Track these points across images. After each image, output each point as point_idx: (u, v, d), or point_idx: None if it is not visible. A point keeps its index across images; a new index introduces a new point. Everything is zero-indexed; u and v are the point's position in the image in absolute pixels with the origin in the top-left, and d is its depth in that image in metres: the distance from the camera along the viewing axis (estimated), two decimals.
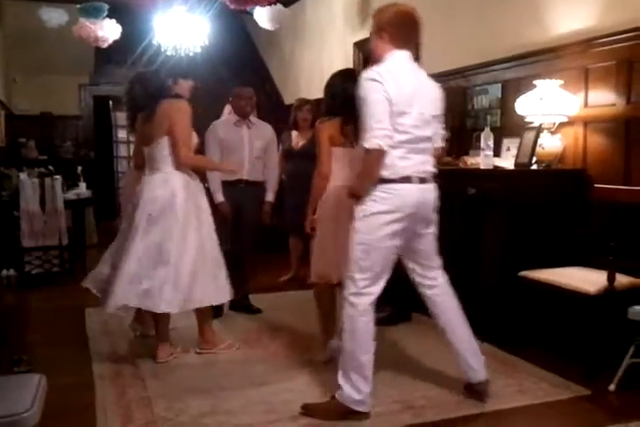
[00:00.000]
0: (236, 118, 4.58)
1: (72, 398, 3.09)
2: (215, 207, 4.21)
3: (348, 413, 2.83)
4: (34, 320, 4.65)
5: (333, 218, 3.35)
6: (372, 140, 2.69)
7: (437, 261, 3.14)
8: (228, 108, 4.99)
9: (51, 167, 6.55)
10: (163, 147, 3.49)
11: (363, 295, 2.85)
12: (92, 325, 4.36)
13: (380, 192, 2.77)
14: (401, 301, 4.43)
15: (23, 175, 5.86)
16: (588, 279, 3.36)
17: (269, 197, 4.75)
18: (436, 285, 3.13)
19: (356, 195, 2.80)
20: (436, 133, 2.98)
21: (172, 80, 3.67)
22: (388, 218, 2.78)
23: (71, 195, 6.40)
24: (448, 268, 4.22)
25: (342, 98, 3.28)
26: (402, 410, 2.95)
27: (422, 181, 2.85)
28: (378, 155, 2.71)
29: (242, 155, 4.52)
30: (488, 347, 3.76)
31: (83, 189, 6.79)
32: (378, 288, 2.89)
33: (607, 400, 3.08)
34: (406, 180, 2.79)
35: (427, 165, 2.90)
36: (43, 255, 5.76)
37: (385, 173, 2.76)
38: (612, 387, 3.13)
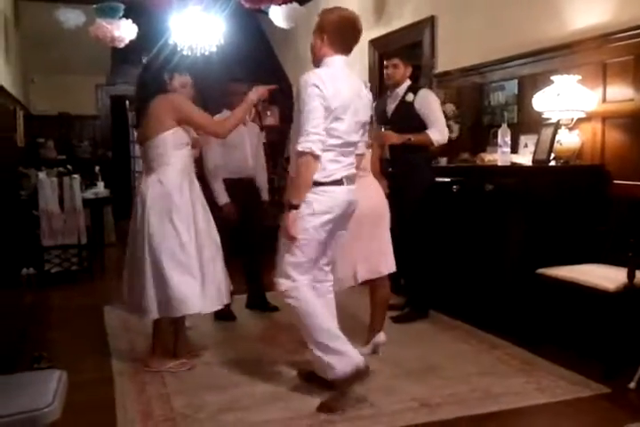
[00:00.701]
0: None
1: (92, 394, 3.11)
2: (217, 208, 4.16)
3: (353, 380, 2.91)
4: (54, 318, 4.70)
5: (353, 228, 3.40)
6: (306, 143, 2.77)
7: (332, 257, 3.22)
8: None
9: (69, 167, 6.60)
10: (156, 145, 3.38)
11: (301, 286, 2.97)
12: (110, 322, 4.40)
13: (314, 194, 2.87)
14: (418, 299, 4.44)
15: (42, 175, 5.91)
16: (607, 276, 3.33)
17: (265, 195, 4.76)
18: (328, 280, 3.20)
19: (294, 204, 2.86)
20: (361, 141, 3.11)
21: (169, 75, 3.53)
22: (322, 219, 2.89)
23: (89, 194, 6.46)
24: (466, 266, 4.24)
25: None
26: (418, 408, 2.94)
27: (349, 182, 2.98)
28: (311, 159, 2.79)
29: (244, 152, 4.49)
30: (507, 344, 3.76)
31: (101, 188, 6.85)
32: (312, 271, 3.04)
33: (627, 398, 3.05)
34: (337, 182, 2.92)
35: (352, 167, 3.03)
36: (62, 254, 5.82)
37: (318, 176, 2.85)
38: (632, 385, 3.10)
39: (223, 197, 4.40)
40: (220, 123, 3.57)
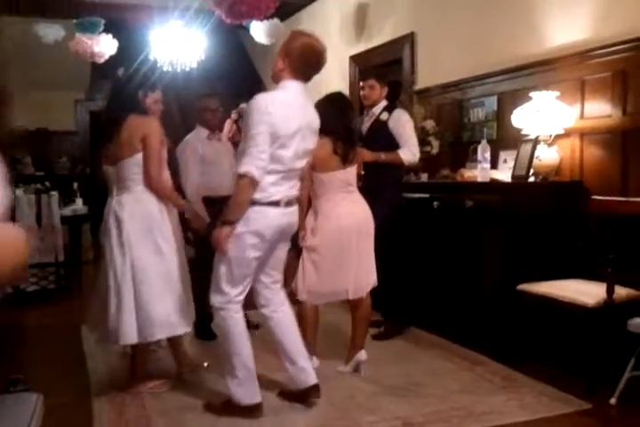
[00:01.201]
0: (207, 132, 4.40)
1: (70, 417, 3.04)
2: (186, 221, 4.00)
3: (241, 413, 3.00)
4: (30, 338, 4.61)
5: (337, 243, 3.50)
6: (248, 167, 2.79)
7: (280, 275, 3.25)
8: (227, 125, 4.96)
9: (47, 183, 6.53)
10: (132, 164, 3.27)
11: (232, 303, 3.00)
12: (88, 342, 4.32)
13: (250, 213, 2.88)
14: (396, 316, 4.43)
15: (19, 191, 5.84)
16: (586, 292, 3.34)
17: None
18: (278, 298, 3.22)
19: (227, 220, 2.89)
20: (304, 167, 3.11)
21: (143, 93, 3.44)
22: (254, 238, 2.90)
23: (67, 211, 6.37)
24: (447, 281, 4.24)
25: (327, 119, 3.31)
26: None
27: (288, 204, 2.98)
28: (250, 183, 2.81)
29: (222, 169, 4.30)
30: (488, 361, 3.75)
31: (79, 205, 6.77)
32: (244, 292, 3.05)
33: (608, 414, 3.05)
34: (274, 204, 2.92)
35: (294, 189, 3.05)
36: (39, 272, 5.74)
37: (256, 196, 2.86)
38: (612, 401, 3.10)
39: (199, 208, 4.19)
40: (162, 179, 3.39)
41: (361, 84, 4.55)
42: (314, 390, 3.14)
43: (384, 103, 4.44)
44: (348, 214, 3.55)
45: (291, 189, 3.00)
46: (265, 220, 2.90)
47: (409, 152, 4.30)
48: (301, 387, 3.15)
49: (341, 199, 3.56)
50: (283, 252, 3.18)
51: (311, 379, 3.14)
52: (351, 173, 3.61)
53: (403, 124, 4.35)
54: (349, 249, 3.51)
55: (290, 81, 2.94)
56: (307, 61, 2.94)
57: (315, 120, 3.05)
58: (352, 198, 3.62)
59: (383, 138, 4.31)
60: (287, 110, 2.86)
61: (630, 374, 3.08)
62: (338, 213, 3.53)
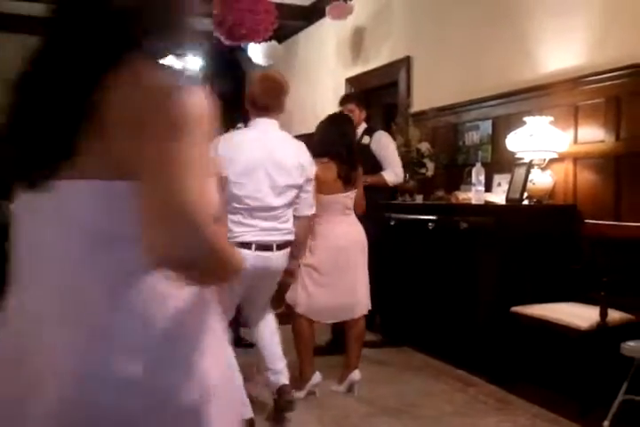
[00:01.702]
0: None
1: None
2: None
3: None
4: None
5: (334, 261, 3.53)
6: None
7: (267, 311, 3.28)
8: None
9: None
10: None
11: None
12: None
13: None
14: (393, 335, 4.44)
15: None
16: (579, 315, 3.36)
17: None
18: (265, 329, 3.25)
19: None
20: (293, 202, 3.04)
21: None
22: (243, 279, 2.82)
23: None
24: (441, 303, 4.25)
25: (329, 140, 3.36)
26: None
27: (265, 248, 2.91)
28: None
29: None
30: (481, 383, 3.75)
31: None
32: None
33: None
34: (245, 245, 2.85)
35: (274, 233, 2.94)
36: None
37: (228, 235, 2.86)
38: (605, 424, 3.10)
39: None
40: None
41: (340, 108, 4.60)
42: (283, 392, 3.11)
43: (363, 126, 4.53)
44: (346, 234, 3.60)
45: (267, 232, 2.92)
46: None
47: (392, 173, 4.42)
48: (274, 389, 3.15)
49: (340, 221, 3.61)
50: (269, 290, 3.18)
51: (283, 379, 3.15)
52: (351, 197, 3.65)
53: (385, 146, 4.46)
54: (347, 266, 3.55)
55: (258, 118, 2.99)
56: (266, 92, 2.98)
57: (290, 155, 2.99)
58: (349, 221, 3.67)
59: (367, 161, 4.34)
60: (239, 149, 2.87)
61: (623, 398, 3.09)
62: (336, 234, 3.57)
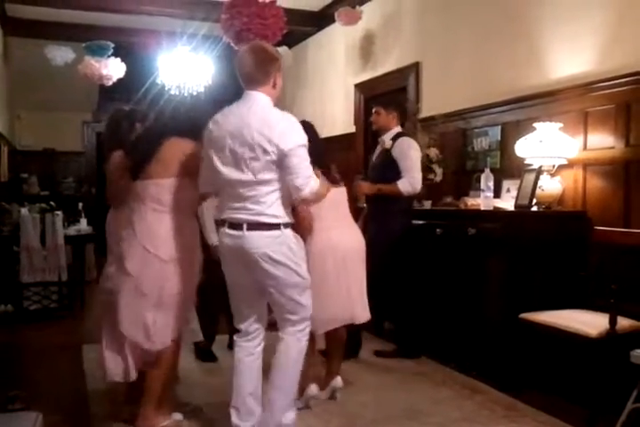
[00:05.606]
0: None
1: None
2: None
3: None
4: (30, 357, 4.60)
5: (321, 268, 3.37)
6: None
7: (289, 329, 2.99)
8: None
9: (52, 203, 6.56)
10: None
11: (238, 340, 3.01)
12: (89, 362, 4.31)
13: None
14: (408, 344, 4.40)
15: (24, 210, 5.87)
16: (589, 322, 3.34)
17: None
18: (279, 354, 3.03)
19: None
20: (266, 182, 2.74)
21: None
22: (225, 258, 2.90)
23: (72, 231, 6.41)
24: (448, 310, 4.24)
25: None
26: None
27: (233, 227, 2.78)
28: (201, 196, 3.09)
29: None
30: (489, 390, 3.74)
31: (84, 225, 6.79)
32: (252, 326, 3.01)
33: None
34: (222, 223, 2.86)
35: (242, 211, 2.76)
36: (42, 291, 5.74)
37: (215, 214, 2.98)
38: None
39: (214, 238, 3.89)
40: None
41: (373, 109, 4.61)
42: None
43: (395, 130, 4.45)
44: (342, 241, 3.49)
45: (237, 210, 2.77)
46: (221, 238, 2.90)
47: (407, 183, 4.25)
48: None
49: (333, 221, 3.46)
50: (267, 280, 2.83)
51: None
52: (341, 192, 3.54)
53: (404, 153, 4.31)
54: (336, 275, 3.43)
55: (247, 91, 2.87)
56: (253, 63, 2.85)
57: (258, 131, 2.71)
58: (343, 222, 3.56)
59: (387, 167, 4.33)
60: (224, 120, 2.83)
61: (633, 406, 3.06)
62: (329, 236, 3.43)
